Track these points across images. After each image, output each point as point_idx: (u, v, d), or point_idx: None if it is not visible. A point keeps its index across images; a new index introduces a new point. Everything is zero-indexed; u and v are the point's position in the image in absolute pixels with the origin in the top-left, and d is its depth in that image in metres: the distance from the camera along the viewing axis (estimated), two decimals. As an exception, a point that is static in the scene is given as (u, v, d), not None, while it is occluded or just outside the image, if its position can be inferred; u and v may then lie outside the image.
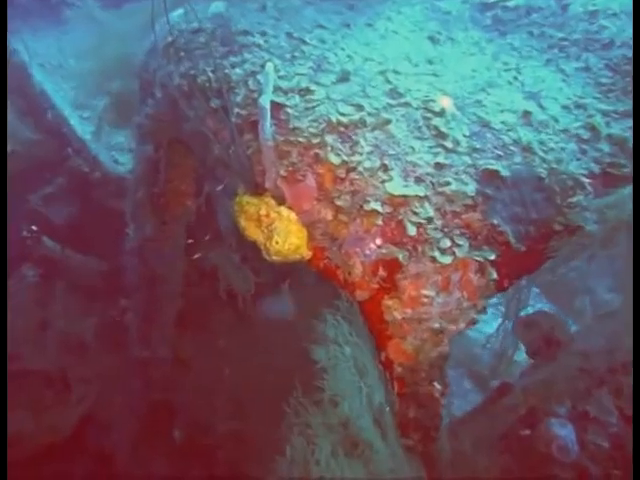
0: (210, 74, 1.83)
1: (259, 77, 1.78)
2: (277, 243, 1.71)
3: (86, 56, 3.74)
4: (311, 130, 1.67)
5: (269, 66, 1.74)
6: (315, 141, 1.65)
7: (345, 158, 1.61)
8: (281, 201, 1.74)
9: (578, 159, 1.88)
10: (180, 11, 2.06)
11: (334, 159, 1.61)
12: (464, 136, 1.76)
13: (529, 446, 2.28)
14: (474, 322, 1.62)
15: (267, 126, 1.71)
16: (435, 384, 1.61)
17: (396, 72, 1.94)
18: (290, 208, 1.72)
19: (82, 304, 3.43)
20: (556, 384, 2.57)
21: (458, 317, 1.60)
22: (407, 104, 1.79)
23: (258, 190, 1.80)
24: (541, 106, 2.01)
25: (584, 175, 1.82)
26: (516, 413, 2.36)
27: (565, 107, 2.04)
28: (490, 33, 2.47)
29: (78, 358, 2.83)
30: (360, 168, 1.59)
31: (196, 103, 1.89)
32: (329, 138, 1.64)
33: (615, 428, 2.21)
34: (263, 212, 1.74)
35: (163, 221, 2.76)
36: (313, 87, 1.76)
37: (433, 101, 1.86)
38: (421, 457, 1.58)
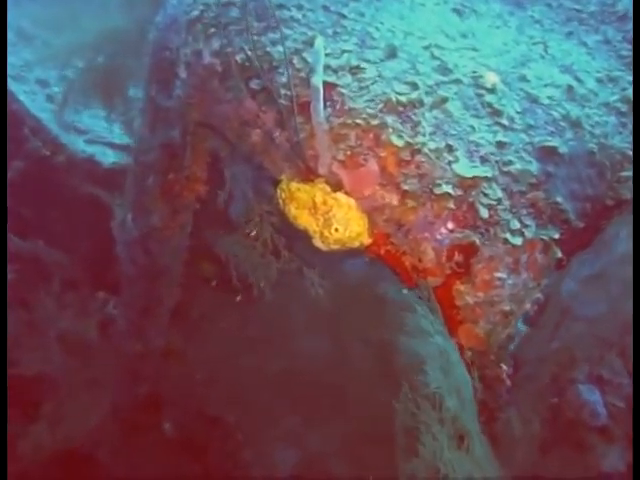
0: (249, 52, 1.69)
1: (305, 55, 1.67)
2: (337, 231, 1.62)
3: (59, 27, 3.40)
4: (369, 111, 1.57)
5: (319, 43, 1.61)
6: (374, 122, 1.55)
7: (409, 140, 1.52)
8: (337, 187, 1.64)
9: (620, 132, 1.89)
10: (200, -18, 1.88)
11: (397, 141, 1.53)
12: (517, 112, 1.72)
13: (558, 414, 2.35)
14: (539, 302, 1.62)
15: (320, 108, 1.60)
16: (502, 366, 1.60)
17: (439, 47, 1.85)
18: (347, 194, 1.63)
19: (71, 300, 3.23)
20: (571, 350, 2.66)
21: (524, 298, 1.58)
22: (458, 81, 1.72)
23: (309, 176, 1.70)
24: (578, 80, 1.99)
25: (628, 148, 1.83)
26: (540, 382, 2.43)
27: (599, 80, 2.03)
28: (510, 5, 2.41)
29: (83, 360, 2.66)
30: (425, 150, 1.52)
31: (232, 84, 1.75)
32: (389, 119, 1.55)
33: (628, 389, 2.31)
34: (319, 199, 1.64)
35: (174, 209, 2.59)
36: (363, 65, 1.65)
37: (482, 77, 1.79)
38: (488, 438, 1.58)
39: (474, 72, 1.79)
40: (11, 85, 3.34)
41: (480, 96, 1.70)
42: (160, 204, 2.54)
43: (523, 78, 1.87)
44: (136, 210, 2.65)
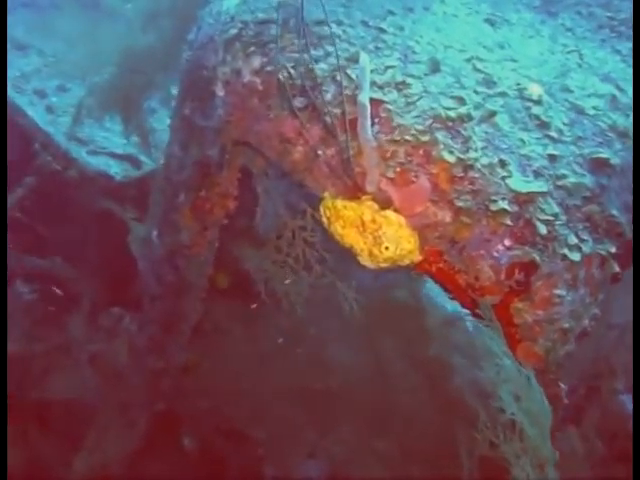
0: (292, 70, 1.66)
1: (349, 71, 1.64)
2: (387, 249, 1.59)
3: (72, 41, 3.37)
4: (418, 127, 1.54)
5: (364, 59, 1.59)
6: (424, 139, 1.52)
7: (460, 155, 1.49)
8: (386, 205, 1.60)
9: (666, 140, 1.86)
10: (235, 0, 1.86)
11: (449, 157, 1.49)
12: (564, 124, 1.68)
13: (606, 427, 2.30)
14: (596, 317, 1.58)
15: (368, 125, 1.57)
16: (561, 384, 1.56)
17: (480, 59, 1.82)
18: (397, 211, 1.60)
19: (97, 319, 3.18)
20: (608, 359, 2.61)
21: (583, 314, 1.54)
22: (504, 94, 1.69)
23: (355, 194, 1.66)
24: (620, 88, 1.96)
25: (676, 156, 1.80)
26: (576, 394, 2.38)
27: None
28: (541, 14, 2.39)
29: (115, 383, 2.60)
30: (478, 165, 1.48)
31: (274, 102, 1.72)
32: (439, 135, 1.51)
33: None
34: (367, 217, 1.61)
35: (204, 226, 2.57)
36: (408, 80, 1.62)
37: (526, 89, 1.76)
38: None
39: (518, 84, 1.76)
40: (13, 97, 3.32)
41: (527, 109, 1.67)
42: (190, 221, 2.52)
43: (566, 89, 1.84)
44: (163, 227, 2.62)
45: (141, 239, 3.02)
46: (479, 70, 1.75)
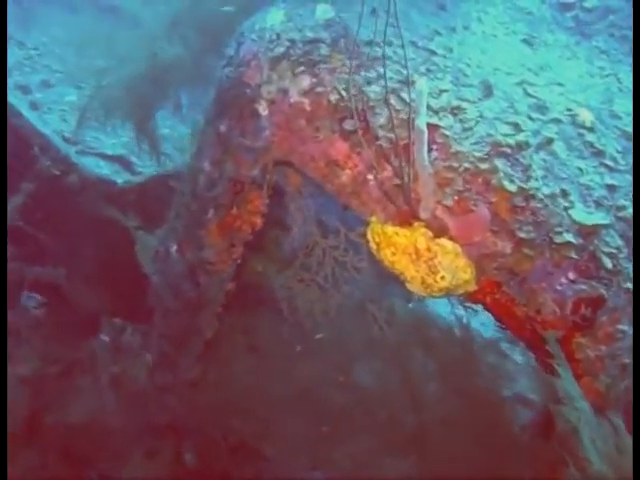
0: (343, 92, 1.61)
1: (403, 95, 1.59)
2: (443, 279, 1.53)
3: (86, 44, 3.23)
4: (476, 154, 1.49)
5: (422, 83, 1.54)
6: (484, 167, 1.47)
7: (521, 185, 1.44)
8: (440, 232, 1.55)
9: None
10: (279, 16, 1.79)
11: (509, 186, 1.45)
12: (617, 152, 1.65)
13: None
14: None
15: (425, 151, 1.52)
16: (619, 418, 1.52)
17: (529, 83, 1.78)
18: (452, 239, 1.55)
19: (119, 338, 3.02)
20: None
21: (641, 347, 1.51)
22: (557, 120, 1.65)
23: (407, 220, 1.61)
24: (662, 114, 1.95)
25: None
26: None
27: (682, 114, 1.99)
28: (575, 36, 2.37)
29: (136, 404, 2.48)
30: (539, 195, 1.44)
31: (322, 124, 1.66)
32: (498, 163, 1.47)
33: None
34: (422, 245, 1.56)
35: (232, 244, 2.49)
36: (464, 105, 1.57)
37: (577, 115, 1.73)
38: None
39: (569, 110, 1.73)
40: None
41: (581, 135, 1.63)
42: (217, 239, 2.44)
43: (614, 115, 1.81)
44: (185, 243, 2.53)
45: (153, 252, 2.93)
46: (530, 95, 1.71)
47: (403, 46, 1.56)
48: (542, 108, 1.65)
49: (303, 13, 1.74)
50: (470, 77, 1.67)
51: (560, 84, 1.87)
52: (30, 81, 3.27)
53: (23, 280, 3.01)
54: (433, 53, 1.72)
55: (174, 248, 2.50)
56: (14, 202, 3.07)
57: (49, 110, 3.19)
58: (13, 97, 3.17)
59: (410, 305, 2.28)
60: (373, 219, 1.69)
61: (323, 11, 1.75)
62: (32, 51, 3.51)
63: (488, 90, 1.63)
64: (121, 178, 3.14)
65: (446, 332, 2.12)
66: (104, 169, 3.18)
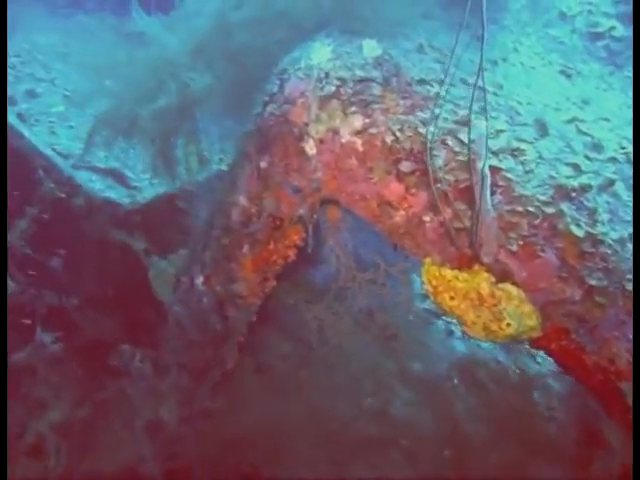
0: (398, 133, 1.56)
1: (460, 135, 1.55)
2: (509, 326, 1.49)
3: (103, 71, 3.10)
4: (541, 198, 1.45)
5: (483, 125, 1.51)
6: (549, 211, 1.44)
7: (589, 229, 1.41)
8: (503, 277, 1.51)
9: None
10: (325, 53, 1.75)
11: (577, 231, 1.41)
12: (675, 190, 1.64)
13: None
14: None
15: (488, 195, 1.49)
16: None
17: (579, 120, 1.76)
18: (516, 284, 1.51)
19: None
20: None
21: None
22: (614, 159, 1.62)
23: (467, 264, 1.57)
24: None
25: None
26: None
27: None
28: (609, 66, 2.36)
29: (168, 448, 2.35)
30: (608, 240, 1.41)
31: (376, 164, 1.62)
32: (564, 206, 1.44)
33: None
34: (485, 290, 1.51)
35: (265, 278, 2.43)
36: (522, 146, 1.55)
37: (629, 152, 1.72)
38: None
39: (622, 147, 1.70)
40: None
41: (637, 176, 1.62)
42: (250, 273, 2.37)
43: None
44: (214, 275, 2.46)
45: (171, 280, 2.85)
46: (583, 132, 1.67)
47: (484, 90, 1.49)
48: (597, 147, 1.62)
49: (351, 50, 1.69)
50: (523, 115, 1.64)
51: (606, 119, 1.85)
52: (15, 91, 3.08)
53: (35, 313, 2.90)
54: (485, 91, 1.69)
55: (200, 280, 2.43)
56: (19, 227, 2.95)
57: (37, 122, 3.03)
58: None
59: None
60: (428, 260, 1.64)
61: (370, 48, 1.71)
62: (14, 58, 3.33)
63: (543, 129, 1.60)
64: (116, 193, 2.98)
65: (498, 373, 2.05)
66: (97, 183, 3.03)
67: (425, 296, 2.20)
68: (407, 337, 2.34)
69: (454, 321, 2.22)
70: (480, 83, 1.57)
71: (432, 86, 1.62)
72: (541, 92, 1.84)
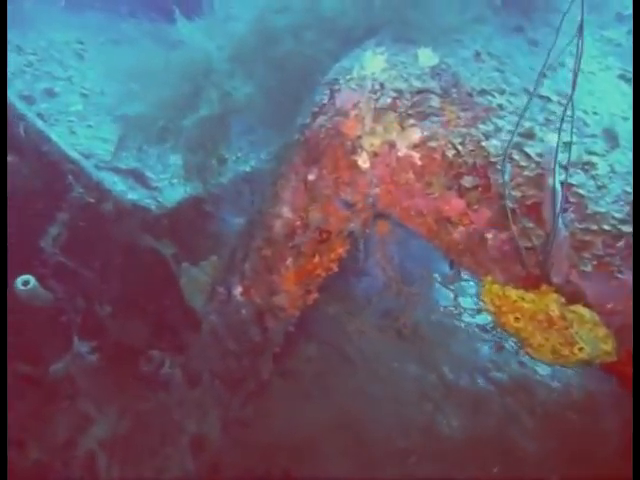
0: (459, 147, 1.51)
1: (526, 149, 1.48)
2: (581, 350, 1.41)
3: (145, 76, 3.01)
4: (616, 215, 1.39)
5: (552, 139, 1.44)
6: (626, 229, 1.37)
7: (670, 249, 1.35)
8: (574, 299, 1.44)
9: None
10: (379, 63, 1.70)
11: (657, 251, 1.35)
12: None
13: None
14: None
15: (559, 212, 1.42)
16: None
17: (646, 129, 1.70)
18: (588, 306, 1.44)
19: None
20: None
21: None
22: (689, 171, 1.55)
23: (534, 283, 1.50)
24: None
25: None
26: None
27: None
28: None
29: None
30: (691, 261, 1.34)
31: (436, 179, 1.56)
32: (641, 225, 1.38)
33: None
34: (555, 312, 1.44)
35: (308, 290, 2.39)
36: (593, 159, 1.47)
37: None
38: None
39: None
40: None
41: None
42: (293, 285, 2.34)
43: None
44: (254, 287, 2.43)
45: (206, 289, 2.82)
46: (653, 143, 1.60)
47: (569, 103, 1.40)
48: (669, 158, 1.54)
49: (405, 60, 1.63)
50: (591, 126, 1.56)
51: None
52: (33, 90, 3.07)
53: (71, 322, 2.89)
54: (547, 99, 1.61)
55: (238, 290, 2.39)
56: (51, 233, 2.93)
57: (56, 122, 2.99)
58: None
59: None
60: (488, 279, 1.58)
61: (426, 57, 1.65)
62: (31, 56, 3.31)
63: (614, 140, 1.52)
64: (137, 194, 2.92)
65: (556, 391, 1.96)
66: (119, 185, 3.02)
67: (475, 311, 2.15)
68: (453, 351, 2.28)
69: (504, 336, 2.17)
70: (544, 92, 1.51)
71: (494, 96, 1.54)
72: (604, 99, 1.76)
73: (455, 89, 1.53)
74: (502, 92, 1.56)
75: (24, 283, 2.86)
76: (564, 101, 1.64)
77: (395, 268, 2.16)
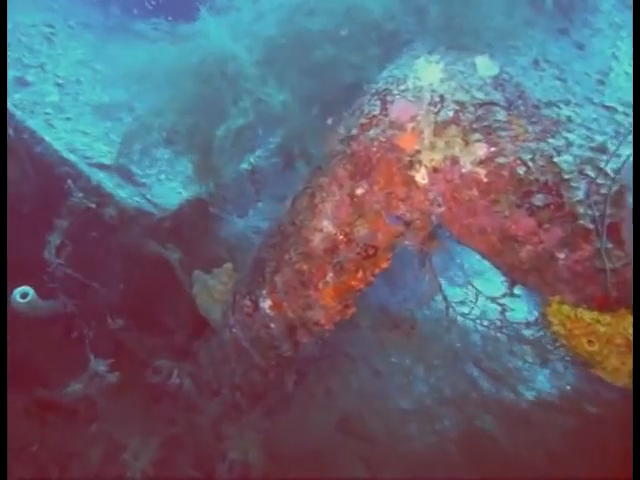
0: (530, 163, 1.45)
1: (601, 165, 1.43)
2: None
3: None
4: (699, 234, 1.35)
5: (626, 152, 1.39)
6: None
7: None
8: (652, 322, 1.41)
9: None
10: (436, 72, 1.61)
11: None
12: None
13: None
14: None
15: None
16: None
17: None
18: (667, 330, 1.40)
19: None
20: None
21: None
22: None
23: (611, 306, 1.46)
24: None
25: None
26: None
27: None
28: None
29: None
30: None
31: (503, 197, 1.49)
32: None
33: None
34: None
35: (346, 305, 2.32)
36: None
37: None
38: None
39: None
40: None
41: None
42: (331, 300, 2.27)
43: None
44: (287, 301, 2.34)
45: (222, 299, 2.71)
46: None
47: None
48: None
49: (464, 69, 1.56)
50: (660, 137, 1.53)
51: None
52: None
53: (84, 338, 2.72)
54: (613, 110, 1.56)
55: (267, 304, 2.31)
56: (53, 243, 2.73)
57: (32, 114, 2.76)
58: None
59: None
60: (556, 299, 1.54)
61: (485, 66, 1.58)
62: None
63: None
64: (125, 192, 2.72)
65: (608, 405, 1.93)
66: (106, 181, 2.84)
67: (526, 325, 2.11)
68: (496, 364, 2.24)
69: (555, 349, 2.14)
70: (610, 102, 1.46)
71: (560, 108, 1.48)
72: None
73: (521, 101, 1.47)
74: (567, 103, 1.50)
75: (22, 295, 2.70)
76: (628, 111, 1.61)
77: (434, 279, 2.12)
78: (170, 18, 2.85)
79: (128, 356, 2.71)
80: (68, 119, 2.90)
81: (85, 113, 2.93)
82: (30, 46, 3.16)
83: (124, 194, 2.73)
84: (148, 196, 2.97)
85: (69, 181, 2.63)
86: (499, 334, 2.05)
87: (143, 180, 2.90)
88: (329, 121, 2.05)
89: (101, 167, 2.79)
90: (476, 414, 2.41)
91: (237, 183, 3.07)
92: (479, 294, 2.02)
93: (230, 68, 2.15)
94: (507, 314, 1.92)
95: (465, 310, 2.02)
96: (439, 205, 1.55)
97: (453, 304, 2.08)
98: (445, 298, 2.03)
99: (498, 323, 2.02)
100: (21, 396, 2.33)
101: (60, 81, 3.08)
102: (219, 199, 2.95)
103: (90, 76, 3.20)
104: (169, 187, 3.00)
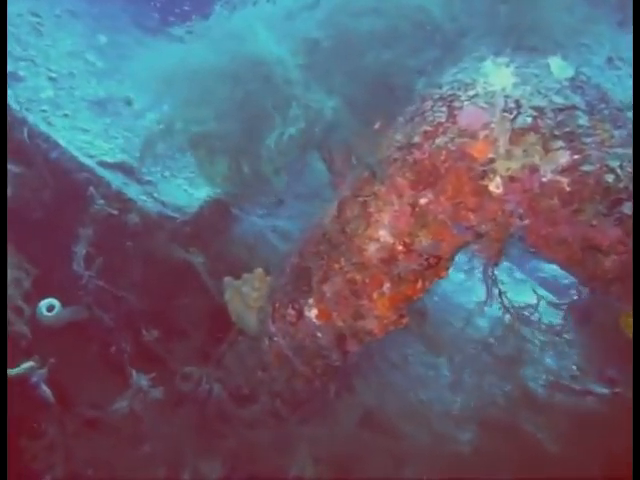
0: (618, 170, 1.38)
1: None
2: None
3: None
4: None
5: None
6: None
7: None
8: None
9: None
10: (507, 76, 1.54)
11: None
12: None
13: None
14: None
15: None
16: None
17: None
18: None
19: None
20: None
21: None
22: None
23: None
24: None
25: None
26: None
27: None
28: None
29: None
30: None
31: (589, 206, 1.44)
32: None
33: None
34: None
35: (401, 315, 2.27)
36: None
37: None
38: None
39: None
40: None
41: None
42: (386, 311, 2.18)
43: None
44: (336, 311, 2.29)
45: (256, 306, 2.66)
46: None
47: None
48: None
49: (538, 72, 1.49)
50: None
51: None
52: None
53: (124, 353, 2.66)
54: (697, 111, 1.51)
55: (313, 313, 2.27)
56: (79, 253, 2.65)
57: (28, 112, 2.58)
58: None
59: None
60: (628, 312, 1.50)
61: (560, 68, 1.51)
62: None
63: None
64: (130, 190, 2.63)
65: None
66: (109, 179, 2.75)
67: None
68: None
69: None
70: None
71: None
72: None
73: (604, 104, 1.41)
74: (649, 104, 1.45)
75: (49, 309, 2.62)
76: None
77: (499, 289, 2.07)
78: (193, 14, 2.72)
79: (163, 368, 2.66)
80: (66, 116, 2.77)
81: (82, 109, 2.79)
82: (18, 37, 2.98)
83: (129, 191, 2.62)
84: (155, 195, 2.90)
85: (91, 188, 2.55)
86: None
87: (148, 178, 2.81)
88: (376, 126, 1.99)
89: (104, 165, 2.68)
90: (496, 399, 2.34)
91: (259, 182, 2.98)
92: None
93: (279, 72, 2.02)
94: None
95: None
96: (520, 217, 1.50)
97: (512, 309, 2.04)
98: (504, 305, 1.99)
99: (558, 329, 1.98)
100: (71, 416, 2.28)
101: (53, 75, 2.93)
102: (241, 199, 2.85)
103: (83, 68, 3.04)
104: (171, 181, 2.91)
